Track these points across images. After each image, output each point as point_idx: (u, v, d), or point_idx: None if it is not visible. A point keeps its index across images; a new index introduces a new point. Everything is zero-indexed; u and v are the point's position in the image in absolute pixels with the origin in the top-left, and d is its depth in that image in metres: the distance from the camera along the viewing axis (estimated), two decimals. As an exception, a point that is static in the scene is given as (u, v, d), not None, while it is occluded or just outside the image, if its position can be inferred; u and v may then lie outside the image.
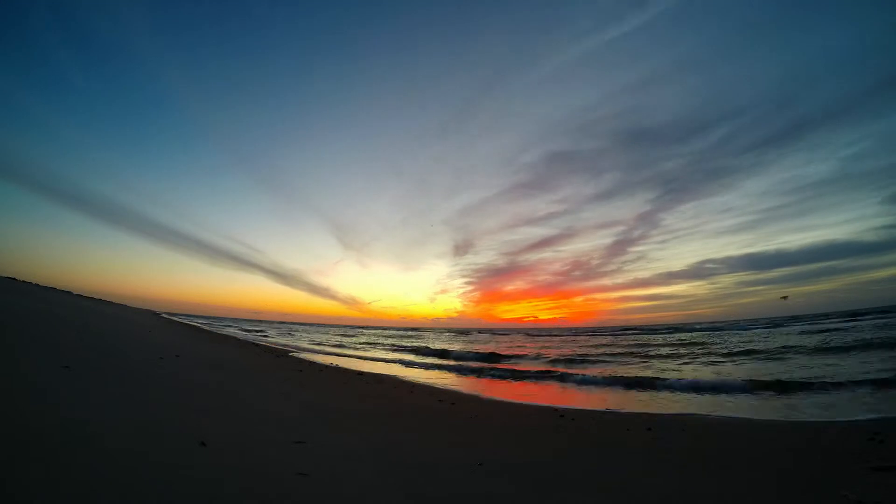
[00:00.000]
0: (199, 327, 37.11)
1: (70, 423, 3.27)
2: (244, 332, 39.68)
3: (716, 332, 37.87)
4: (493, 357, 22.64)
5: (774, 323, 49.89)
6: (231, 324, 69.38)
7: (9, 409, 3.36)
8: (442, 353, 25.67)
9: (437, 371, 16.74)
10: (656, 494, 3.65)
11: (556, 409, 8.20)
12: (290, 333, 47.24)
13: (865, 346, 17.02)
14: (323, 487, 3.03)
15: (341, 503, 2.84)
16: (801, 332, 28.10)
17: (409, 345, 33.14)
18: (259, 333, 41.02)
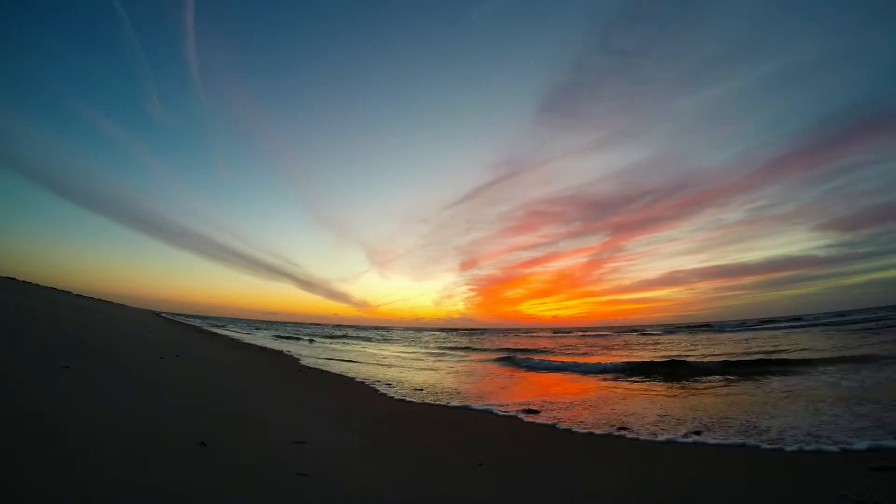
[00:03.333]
0: (198, 328, 36.88)
1: (71, 423, 3.27)
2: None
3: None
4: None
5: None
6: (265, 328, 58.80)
7: (9, 408, 3.36)
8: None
9: (434, 370, 16.73)
10: (656, 495, 3.66)
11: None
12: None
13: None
14: (323, 487, 3.03)
15: (341, 503, 2.84)
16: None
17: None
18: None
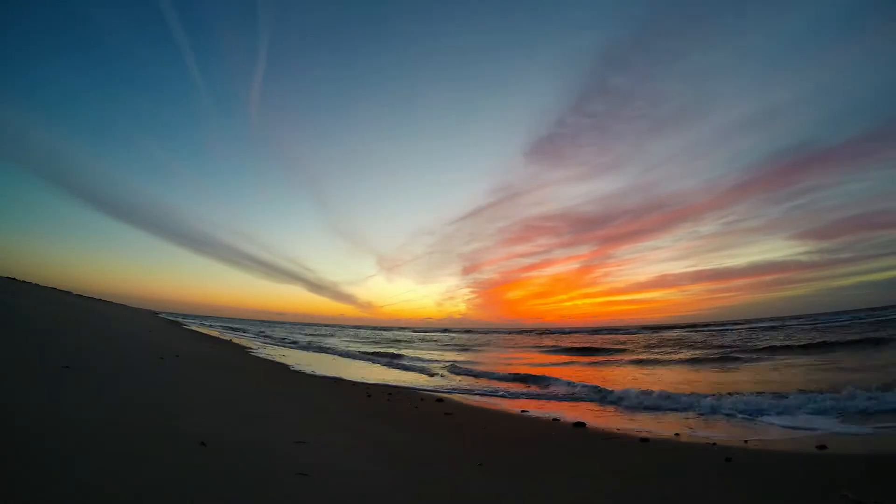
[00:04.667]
0: (198, 332, 36.83)
1: (70, 424, 3.27)
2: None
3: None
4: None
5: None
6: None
7: (9, 409, 3.36)
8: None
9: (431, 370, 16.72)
10: (653, 495, 3.66)
11: (555, 417, 8.21)
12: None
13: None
14: (323, 487, 3.03)
15: (341, 503, 2.84)
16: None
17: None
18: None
